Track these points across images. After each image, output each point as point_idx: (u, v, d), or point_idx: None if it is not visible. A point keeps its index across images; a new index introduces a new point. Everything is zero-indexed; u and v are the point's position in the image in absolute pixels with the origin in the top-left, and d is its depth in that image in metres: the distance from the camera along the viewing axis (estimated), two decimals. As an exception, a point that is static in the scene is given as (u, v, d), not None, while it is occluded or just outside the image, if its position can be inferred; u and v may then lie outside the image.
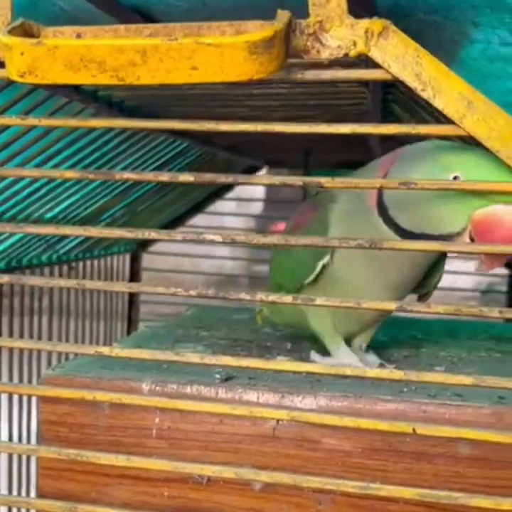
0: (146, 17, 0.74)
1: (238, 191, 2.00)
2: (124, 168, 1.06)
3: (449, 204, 0.55)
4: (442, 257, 0.66)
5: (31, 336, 1.36)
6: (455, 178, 0.55)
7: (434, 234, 0.57)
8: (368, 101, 0.78)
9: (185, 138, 1.08)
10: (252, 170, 1.69)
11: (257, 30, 0.49)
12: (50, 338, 1.42)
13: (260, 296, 0.51)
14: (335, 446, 0.53)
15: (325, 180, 0.50)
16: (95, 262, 1.60)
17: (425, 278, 0.66)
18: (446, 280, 1.56)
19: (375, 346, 0.75)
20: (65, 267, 1.45)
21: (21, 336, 1.31)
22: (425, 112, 0.68)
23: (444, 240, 0.56)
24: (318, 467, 0.53)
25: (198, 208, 1.77)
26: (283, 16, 0.48)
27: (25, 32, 0.51)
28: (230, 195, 1.81)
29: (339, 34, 0.49)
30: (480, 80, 0.89)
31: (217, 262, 2.19)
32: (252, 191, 2.60)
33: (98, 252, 1.59)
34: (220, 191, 1.73)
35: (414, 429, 0.48)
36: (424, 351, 0.73)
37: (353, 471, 0.53)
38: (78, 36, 0.52)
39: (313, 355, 0.66)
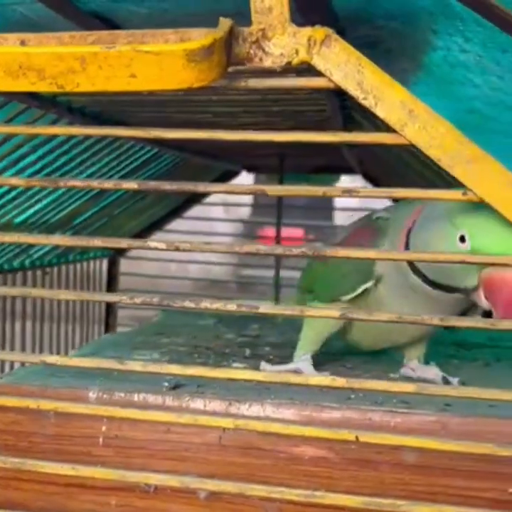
0: (107, 23, 0.74)
1: (223, 196, 1.99)
2: (91, 175, 1.05)
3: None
4: (472, 307, 0.65)
5: (3, 342, 1.35)
6: (462, 236, 0.56)
7: (455, 286, 0.58)
8: (328, 107, 0.78)
9: (154, 144, 1.08)
10: (229, 175, 1.69)
11: (201, 38, 0.49)
12: (23, 344, 1.41)
13: (205, 304, 0.51)
14: (281, 454, 0.53)
15: (269, 189, 0.50)
16: (71, 267, 1.59)
17: None
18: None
19: (334, 354, 0.75)
20: (38, 272, 1.44)
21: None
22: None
23: (465, 293, 0.58)
24: (265, 475, 0.53)
25: (175, 212, 1.77)
26: (225, 23, 0.48)
27: (-31, 38, 0.51)
28: (216, 200, 1.81)
29: (281, 42, 0.49)
30: (445, 86, 0.89)
31: (205, 267, 2.19)
32: (238, 196, 2.59)
33: (74, 256, 1.58)
34: (197, 196, 1.72)
35: (357, 437, 0.48)
36: (383, 357, 0.73)
37: (300, 478, 0.53)
38: (22, 43, 0.52)
39: (263, 365, 0.66)
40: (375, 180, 1.58)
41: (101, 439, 0.55)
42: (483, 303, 0.56)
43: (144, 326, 0.89)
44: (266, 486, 0.49)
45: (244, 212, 3.39)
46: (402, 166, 0.99)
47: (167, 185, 0.51)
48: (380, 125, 0.76)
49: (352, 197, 0.49)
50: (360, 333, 0.69)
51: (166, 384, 0.57)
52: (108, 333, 0.84)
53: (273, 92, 0.73)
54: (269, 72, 0.51)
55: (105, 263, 1.77)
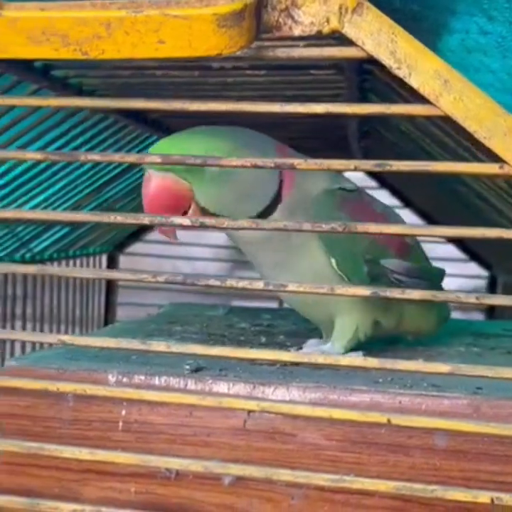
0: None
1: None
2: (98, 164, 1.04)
3: None
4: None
5: (4, 343, 1.32)
6: None
7: None
8: (345, 90, 0.76)
9: (160, 132, 1.06)
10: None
11: (229, 4, 0.47)
12: (23, 345, 1.39)
13: (230, 282, 0.49)
14: (308, 439, 0.52)
15: (297, 162, 0.48)
16: (71, 263, 1.57)
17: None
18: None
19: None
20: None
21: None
22: (401, 99, 0.66)
23: None
24: (291, 460, 0.52)
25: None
26: (254, -10, 0.46)
27: (-14, 6, 0.49)
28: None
29: (312, 10, 0.47)
30: (459, 73, 0.88)
31: (200, 264, 2.17)
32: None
33: (73, 252, 1.56)
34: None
35: (389, 420, 0.46)
36: (401, 346, 0.71)
37: (327, 464, 0.51)
38: (42, 10, 0.50)
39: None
40: (378, 174, 1.56)
41: (120, 424, 0.53)
42: None
43: (152, 316, 0.87)
44: (292, 470, 0.47)
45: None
46: (413, 154, 0.97)
47: (191, 160, 0.49)
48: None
49: (384, 171, 0.47)
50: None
51: (187, 367, 0.55)
52: (118, 322, 0.82)
53: (291, 72, 0.72)
54: (291, 46, 0.50)
55: (105, 259, 1.75)
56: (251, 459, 0.52)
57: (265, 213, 0.62)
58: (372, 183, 1.54)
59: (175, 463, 0.49)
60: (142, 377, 0.54)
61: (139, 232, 1.74)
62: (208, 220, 0.49)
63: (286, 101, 0.85)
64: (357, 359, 0.46)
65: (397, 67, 0.47)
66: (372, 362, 0.47)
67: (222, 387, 0.53)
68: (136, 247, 1.79)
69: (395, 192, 1.60)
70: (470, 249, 1.62)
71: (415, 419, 0.47)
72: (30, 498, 0.50)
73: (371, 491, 0.49)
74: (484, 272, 1.68)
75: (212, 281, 0.50)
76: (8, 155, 0.50)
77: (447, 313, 0.76)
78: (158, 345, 0.48)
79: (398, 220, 0.69)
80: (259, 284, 0.49)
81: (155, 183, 0.57)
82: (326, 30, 0.47)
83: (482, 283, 1.71)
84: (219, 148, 0.58)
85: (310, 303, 0.65)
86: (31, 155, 0.50)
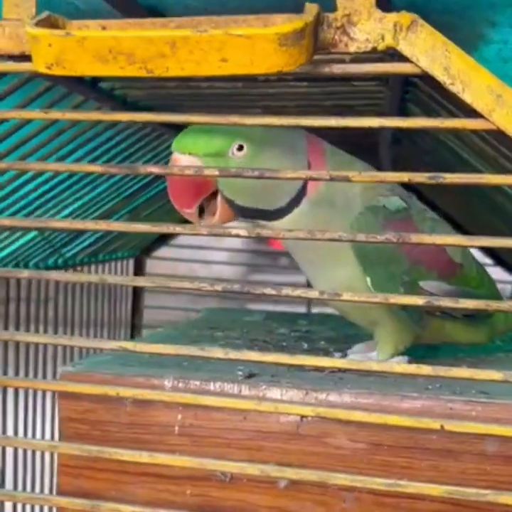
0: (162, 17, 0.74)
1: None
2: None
3: None
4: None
5: (36, 346, 1.34)
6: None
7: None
8: (385, 101, 0.78)
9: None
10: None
11: (285, 23, 0.49)
12: (55, 349, 1.41)
13: (286, 291, 0.51)
14: (359, 444, 0.53)
15: (352, 175, 0.49)
16: (100, 267, 1.59)
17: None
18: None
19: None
20: (70, 272, 1.44)
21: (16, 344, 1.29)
22: (445, 111, 0.67)
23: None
24: (343, 465, 0.53)
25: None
26: (312, 8, 0.48)
27: (51, 25, 0.51)
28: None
29: (367, 27, 0.49)
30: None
31: (216, 267, 2.19)
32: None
33: (103, 256, 1.58)
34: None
35: (442, 426, 0.48)
36: (441, 353, 0.72)
37: (378, 468, 0.53)
38: (104, 29, 0.52)
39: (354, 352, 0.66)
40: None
41: (176, 428, 0.55)
42: None
43: (192, 322, 0.89)
44: (346, 474, 0.49)
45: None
46: (446, 161, 0.98)
47: (249, 172, 0.50)
48: (443, 116, 0.76)
49: (438, 183, 0.48)
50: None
51: (241, 373, 0.56)
52: (160, 328, 0.84)
53: (333, 84, 0.73)
54: (339, 61, 0.51)
55: (132, 263, 1.77)
56: (303, 463, 0.53)
57: (290, 205, 0.62)
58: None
59: (232, 466, 0.50)
60: (197, 383, 0.55)
61: (165, 237, 1.76)
62: (265, 231, 0.51)
63: (325, 111, 0.87)
64: (410, 366, 0.47)
65: (450, 82, 0.48)
66: (426, 369, 0.48)
67: (275, 392, 0.54)
68: (162, 251, 1.81)
69: (421, 197, 1.61)
70: (496, 254, 1.63)
71: (468, 425, 0.48)
72: (90, 500, 0.52)
73: (422, 495, 0.50)
74: (509, 277, 1.68)
75: (268, 290, 0.51)
76: (69, 167, 0.52)
77: (505, 325, 0.72)
78: (216, 352, 0.50)
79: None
80: (315, 293, 0.51)
81: (175, 162, 0.59)
82: (381, 47, 0.49)
83: (507, 287, 1.71)
84: (249, 136, 0.59)
85: (354, 310, 0.66)
86: (92, 168, 0.51)
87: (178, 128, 0.99)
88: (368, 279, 0.62)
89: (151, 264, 1.83)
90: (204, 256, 1.88)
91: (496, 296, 0.72)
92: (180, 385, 0.55)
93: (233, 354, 0.50)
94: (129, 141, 0.96)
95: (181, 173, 0.51)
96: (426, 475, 0.52)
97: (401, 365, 0.49)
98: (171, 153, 1.13)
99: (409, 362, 0.64)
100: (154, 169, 0.52)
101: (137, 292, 1.79)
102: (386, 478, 0.48)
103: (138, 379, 0.56)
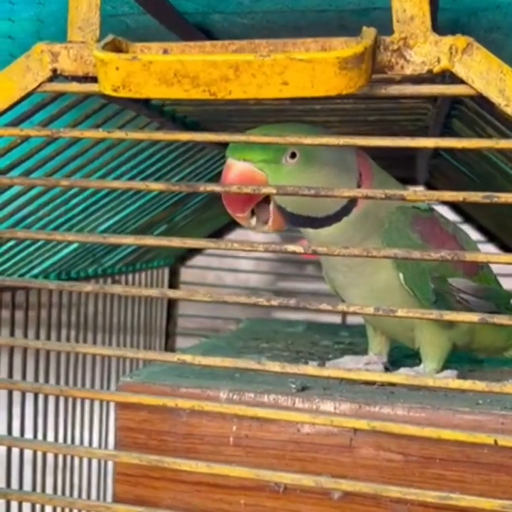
0: (208, 34, 0.76)
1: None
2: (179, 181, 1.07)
3: None
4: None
5: (77, 354, 1.37)
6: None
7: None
8: (429, 117, 0.79)
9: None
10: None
11: (342, 47, 0.50)
12: (93, 356, 1.43)
13: (342, 306, 0.52)
14: (412, 457, 0.54)
15: (407, 194, 0.50)
16: (136, 276, 1.61)
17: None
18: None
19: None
20: (109, 280, 1.46)
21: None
22: (492, 128, 0.68)
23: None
24: (395, 477, 0.54)
25: (236, 222, 1.78)
26: (370, 32, 0.49)
27: (116, 48, 0.52)
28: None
29: (423, 50, 0.50)
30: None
31: (242, 276, 2.20)
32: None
33: (140, 265, 1.60)
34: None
35: (495, 441, 0.48)
36: (486, 365, 0.73)
37: (430, 481, 0.54)
38: (165, 52, 0.53)
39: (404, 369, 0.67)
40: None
41: (231, 439, 0.56)
42: None
43: (235, 332, 0.90)
44: (399, 487, 0.50)
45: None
46: (485, 175, 0.99)
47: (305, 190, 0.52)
48: (480, 133, 0.77)
49: (492, 203, 0.49)
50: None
51: (294, 386, 0.58)
52: (204, 339, 0.85)
53: (379, 100, 0.74)
54: (389, 81, 0.52)
55: (167, 272, 1.80)
56: (356, 475, 0.54)
57: (339, 214, 0.64)
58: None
59: (287, 477, 0.51)
60: (252, 395, 0.57)
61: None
62: (320, 249, 0.52)
63: (369, 126, 0.88)
64: (466, 382, 0.48)
65: (505, 104, 0.49)
66: (481, 385, 0.49)
67: (328, 406, 0.55)
68: (197, 259, 1.84)
69: (455, 207, 1.61)
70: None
71: (521, 440, 0.49)
72: (147, 508, 0.53)
73: (474, 508, 0.51)
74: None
75: (323, 306, 0.53)
76: (132, 185, 0.54)
77: None
78: (273, 366, 0.51)
79: (468, 240, 0.72)
80: (370, 310, 0.52)
81: (234, 170, 0.60)
82: (436, 69, 0.50)
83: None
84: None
85: (394, 323, 0.68)
86: (155, 186, 0.53)
87: (222, 144, 1.01)
88: (401, 275, 0.65)
89: (183, 272, 1.85)
90: (231, 264, 1.89)
91: (506, 292, 0.75)
92: (235, 397, 0.57)
93: (290, 368, 0.52)
94: (172, 156, 0.98)
95: (240, 191, 0.53)
96: (477, 488, 0.53)
97: (456, 381, 0.50)
98: (214, 167, 1.15)
99: (458, 376, 0.65)
100: (214, 187, 0.53)
101: (172, 300, 1.81)
102: (438, 491, 0.49)
103: (194, 390, 0.57)
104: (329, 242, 0.63)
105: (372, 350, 0.71)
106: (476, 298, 0.68)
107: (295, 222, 0.64)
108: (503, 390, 0.48)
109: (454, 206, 1.59)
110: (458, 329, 0.68)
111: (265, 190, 0.52)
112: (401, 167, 1.32)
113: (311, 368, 0.51)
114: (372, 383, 0.60)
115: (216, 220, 1.63)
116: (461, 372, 0.66)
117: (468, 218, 1.61)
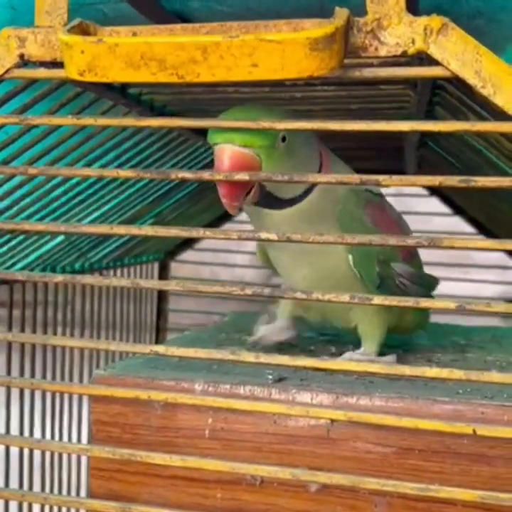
0: (188, 22, 0.74)
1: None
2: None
3: None
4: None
5: (63, 349, 1.35)
6: None
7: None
8: (411, 104, 0.77)
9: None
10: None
11: (315, 28, 0.49)
12: (81, 352, 1.41)
13: (316, 295, 0.51)
14: (390, 448, 0.53)
15: (383, 178, 0.49)
16: (125, 270, 1.60)
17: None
18: (469, 288, 1.53)
19: (419, 350, 0.75)
20: (96, 275, 1.45)
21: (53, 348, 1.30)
22: (474, 113, 0.67)
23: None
24: (373, 469, 0.53)
25: (226, 216, 1.77)
26: (342, 13, 0.48)
27: (83, 31, 0.51)
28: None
29: (397, 32, 0.49)
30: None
31: (239, 270, 2.19)
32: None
33: (128, 260, 1.59)
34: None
35: (474, 430, 0.47)
36: (471, 356, 0.72)
37: (409, 473, 0.53)
38: (134, 35, 0.52)
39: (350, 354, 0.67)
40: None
41: (207, 432, 0.55)
42: None
43: (218, 325, 0.89)
44: (378, 478, 0.48)
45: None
46: (472, 164, 0.97)
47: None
48: (462, 120, 0.76)
49: (469, 187, 0.48)
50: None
51: (270, 377, 0.57)
52: (187, 331, 0.84)
53: (360, 87, 0.73)
54: (366, 65, 0.51)
55: (156, 266, 1.78)
56: (334, 467, 0.53)
57: (306, 192, 0.64)
58: (424, 191, 1.55)
59: (263, 470, 0.50)
60: (227, 387, 0.55)
61: (190, 240, 1.76)
62: (295, 236, 0.51)
63: (352, 114, 0.87)
64: (443, 371, 0.47)
65: (481, 86, 0.48)
66: (458, 373, 0.48)
67: (305, 396, 0.54)
68: (187, 254, 1.82)
69: (446, 199, 1.60)
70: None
71: (500, 429, 0.48)
72: (122, 503, 0.52)
73: (454, 499, 0.50)
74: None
75: (298, 295, 0.52)
76: (102, 172, 0.52)
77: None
78: (248, 356, 0.50)
79: (408, 229, 0.75)
80: (345, 297, 0.50)
81: (229, 154, 0.58)
82: (411, 50, 0.49)
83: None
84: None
85: (337, 308, 0.68)
86: (125, 173, 0.52)
87: (204, 133, 1.00)
88: (350, 257, 0.65)
89: (174, 267, 1.84)
90: (226, 259, 1.88)
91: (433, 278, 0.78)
92: (211, 388, 0.56)
93: (264, 358, 0.51)
94: (155, 147, 0.97)
95: (212, 178, 0.51)
96: (457, 479, 0.52)
97: (433, 370, 0.48)
98: (195, 157, 1.14)
99: (398, 360, 0.67)
100: (186, 175, 0.52)
101: (162, 295, 1.80)
102: (417, 482, 0.48)
103: (168, 383, 0.56)
104: (285, 222, 0.63)
105: (284, 315, 0.73)
106: (411, 283, 0.70)
107: (264, 201, 0.62)
108: (480, 378, 0.47)
109: (445, 198, 1.58)
110: (393, 312, 0.69)
111: (238, 177, 0.51)
112: (389, 159, 1.31)
113: (285, 358, 0.50)
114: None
115: (204, 214, 1.62)
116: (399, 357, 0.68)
117: (459, 210, 1.60)
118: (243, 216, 2.18)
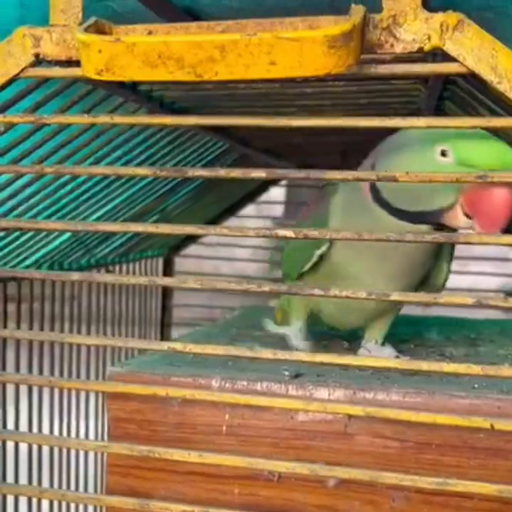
0: (197, 18, 0.74)
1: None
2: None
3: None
4: (447, 247, 0.67)
5: (70, 345, 1.36)
6: (443, 151, 0.57)
7: (426, 210, 0.58)
8: (421, 98, 0.77)
9: (227, 139, 1.08)
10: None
11: (331, 25, 0.49)
12: (88, 347, 1.42)
13: (334, 291, 0.51)
14: (408, 443, 0.53)
15: (400, 175, 0.49)
16: (130, 266, 1.60)
17: (433, 272, 0.68)
18: (467, 281, 1.53)
19: (430, 344, 0.75)
20: (102, 271, 1.45)
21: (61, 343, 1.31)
22: (485, 108, 0.67)
23: (436, 215, 0.58)
24: (391, 464, 0.53)
25: (230, 211, 1.77)
26: (358, 10, 0.48)
27: (99, 30, 0.51)
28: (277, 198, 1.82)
29: (413, 28, 0.49)
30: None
31: (239, 264, 2.20)
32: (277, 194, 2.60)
33: (133, 255, 1.59)
34: (252, 195, 1.73)
35: (492, 425, 0.48)
36: (483, 350, 0.72)
37: (426, 467, 0.53)
38: (150, 33, 0.52)
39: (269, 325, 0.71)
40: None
41: (224, 428, 0.55)
42: (460, 220, 0.56)
43: (229, 320, 0.89)
44: (396, 473, 0.49)
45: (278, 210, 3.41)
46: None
47: (296, 173, 0.51)
48: (473, 114, 0.76)
49: (485, 182, 0.48)
50: (326, 310, 0.70)
51: (287, 373, 0.57)
52: (197, 327, 0.84)
53: (371, 82, 0.73)
54: (380, 61, 0.51)
55: (161, 261, 1.79)
56: (351, 462, 0.54)
57: None
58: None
59: (281, 466, 0.50)
60: (244, 383, 0.56)
61: (194, 235, 1.77)
62: (312, 233, 0.51)
63: (362, 109, 0.87)
64: (461, 366, 0.48)
65: (497, 82, 0.48)
66: (476, 369, 0.48)
67: (322, 392, 0.55)
68: (191, 249, 1.83)
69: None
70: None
71: (518, 424, 0.48)
72: (139, 499, 0.52)
73: (471, 493, 0.50)
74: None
75: (316, 291, 0.52)
76: (118, 170, 0.52)
77: None
78: (265, 353, 0.50)
79: None
80: (362, 294, 0.51)
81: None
82: (427, 47, 0.49)
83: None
84: None
85: (352, 308, 0.68)
86: (141, 171, 0.52)
87: (213, 129, 1.00)
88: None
89: (178, 262, 1.84)
90: (228, 253, 1.88)
91: None
92: (228, 385, 0.56)
93: (282, 354, 0.51)
94: (163, 142, 0.97)
95: (227, 175, 0.51)
96: (474, 473, 0.52)
97: (451, 365, 0.49)
98: (203, 152, 1.14)
99: (410, 354, 0.67)
100: (202, 172, 0.52)
101: (166, 290, 1.81)
102: (435, 477, 0.49)
103: (185, 379, 0.56)
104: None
105: (299, 321, 0.71)
106: None
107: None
108: (498, 373, 0.48)
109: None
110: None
111: (254, 174, 0.51)
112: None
113: (303, 354, 0.50)
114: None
115: (208, 209, 1.62)
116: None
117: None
118: (244, 211, 2.18)
